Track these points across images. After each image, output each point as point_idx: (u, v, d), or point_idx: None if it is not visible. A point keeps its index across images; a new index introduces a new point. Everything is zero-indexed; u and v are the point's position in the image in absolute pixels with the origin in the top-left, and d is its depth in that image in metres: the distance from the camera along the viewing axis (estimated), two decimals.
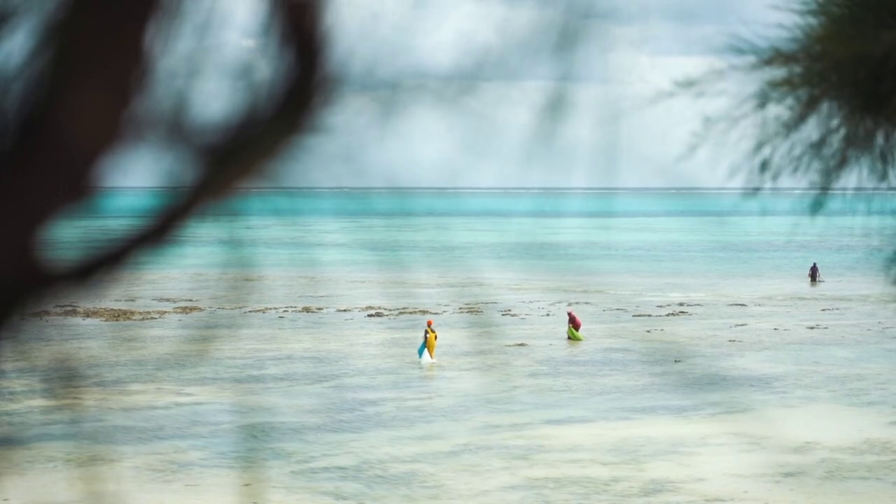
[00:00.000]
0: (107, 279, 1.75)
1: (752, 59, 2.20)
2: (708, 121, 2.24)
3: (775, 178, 2.25)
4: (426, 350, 43.35)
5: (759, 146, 2.24)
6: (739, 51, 2.21)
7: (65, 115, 1.67)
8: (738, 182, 2.26)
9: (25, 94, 1.69)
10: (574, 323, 49.45)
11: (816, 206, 2.29)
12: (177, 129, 1.73)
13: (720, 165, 2.26)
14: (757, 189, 2.25)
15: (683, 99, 2.26)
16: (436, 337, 43.87)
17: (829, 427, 31.76)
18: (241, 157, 1.73)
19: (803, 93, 2.20)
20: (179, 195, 1.75)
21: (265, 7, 1.72)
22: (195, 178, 1.74)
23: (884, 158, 2.23)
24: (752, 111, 2.23)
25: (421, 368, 42.03)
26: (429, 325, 44.65)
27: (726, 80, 2.23)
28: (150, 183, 1.76)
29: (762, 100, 2.21)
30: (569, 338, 48.90)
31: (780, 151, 2.24)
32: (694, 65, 2.28)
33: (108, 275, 1.75)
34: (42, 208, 1.69)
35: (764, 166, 2.23)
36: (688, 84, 2.25)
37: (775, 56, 2.20)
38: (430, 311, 56.62)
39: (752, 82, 2.22)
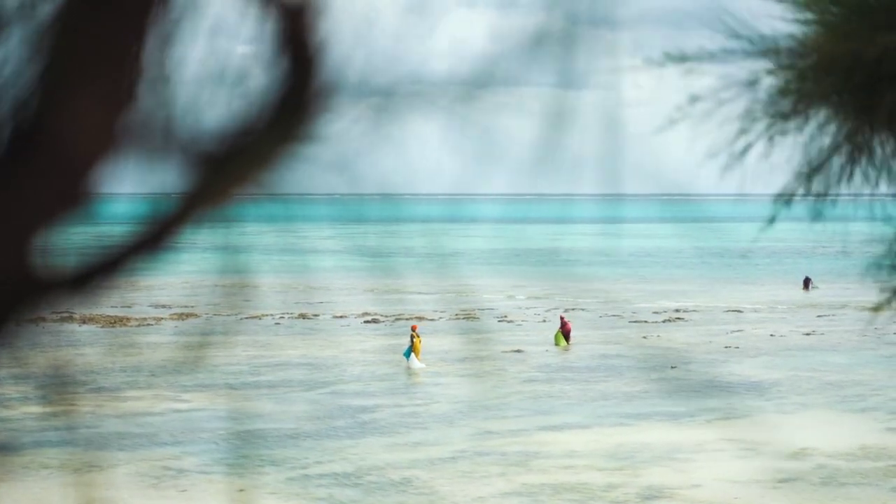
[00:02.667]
0: (103, 286, 1.75)
1: (746, 45, 2.19)
2: (693, 98, 2.22)
3: (754, 162, 2.23)
4: (412, 354, 43.47)
5: (743, 131, 2.22)
6: (735, 35, 2.19)
7: (60, 122, 1.67)
8: (715, 164, 2.23)
9: (21, 101, 1.69)
10: (564, 328, 49.40)
11: (809, 212, 2.28)
12: (172, 137, 1.73)
13: (698, 144, 2.23)
14: (733, 169, 2.22)
15: (672, 72, 2.23)
16: (420, 341, 44.00)
17: (825, 433, 31.76)
18: (237, 164, 1.73)
19: (795, 88, 2.19)
20: (175, 202, 1.75)
21: (260, 15, 1.72)
22: (191, 186, 1.74)
23: (877, 163, 2.23)
24: (739, 95, 2.21)
25: (411, 373, 42.03)
26: (413, 329, 44.76)
27: (717, 62, 2.21)
28: (146, 190, 1.76)
29: (752, 84, 2.20)
30: (556, 343, 48.90)
31: (763, 138, 2.22)
32: (687, 41, 2.26)
33: (105, 282, 1.75)
34: (38, 215, 1.69)
35: (744, 151, 2.21)
36: (680, 58, 2.23)
37: (770, 48, 2.19)
38: (425, 317, 56.60)
39: (744, 68, 2.20)
